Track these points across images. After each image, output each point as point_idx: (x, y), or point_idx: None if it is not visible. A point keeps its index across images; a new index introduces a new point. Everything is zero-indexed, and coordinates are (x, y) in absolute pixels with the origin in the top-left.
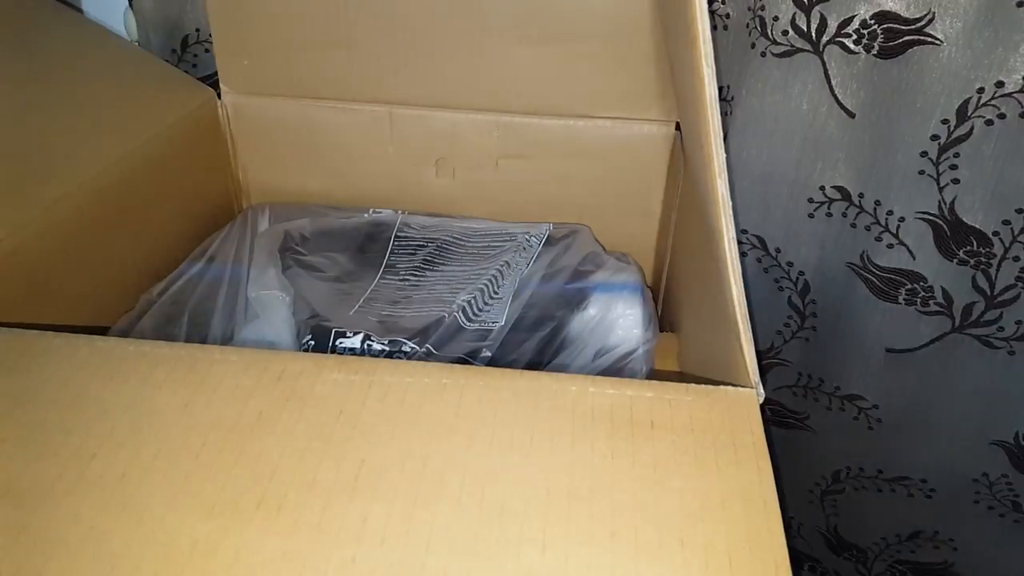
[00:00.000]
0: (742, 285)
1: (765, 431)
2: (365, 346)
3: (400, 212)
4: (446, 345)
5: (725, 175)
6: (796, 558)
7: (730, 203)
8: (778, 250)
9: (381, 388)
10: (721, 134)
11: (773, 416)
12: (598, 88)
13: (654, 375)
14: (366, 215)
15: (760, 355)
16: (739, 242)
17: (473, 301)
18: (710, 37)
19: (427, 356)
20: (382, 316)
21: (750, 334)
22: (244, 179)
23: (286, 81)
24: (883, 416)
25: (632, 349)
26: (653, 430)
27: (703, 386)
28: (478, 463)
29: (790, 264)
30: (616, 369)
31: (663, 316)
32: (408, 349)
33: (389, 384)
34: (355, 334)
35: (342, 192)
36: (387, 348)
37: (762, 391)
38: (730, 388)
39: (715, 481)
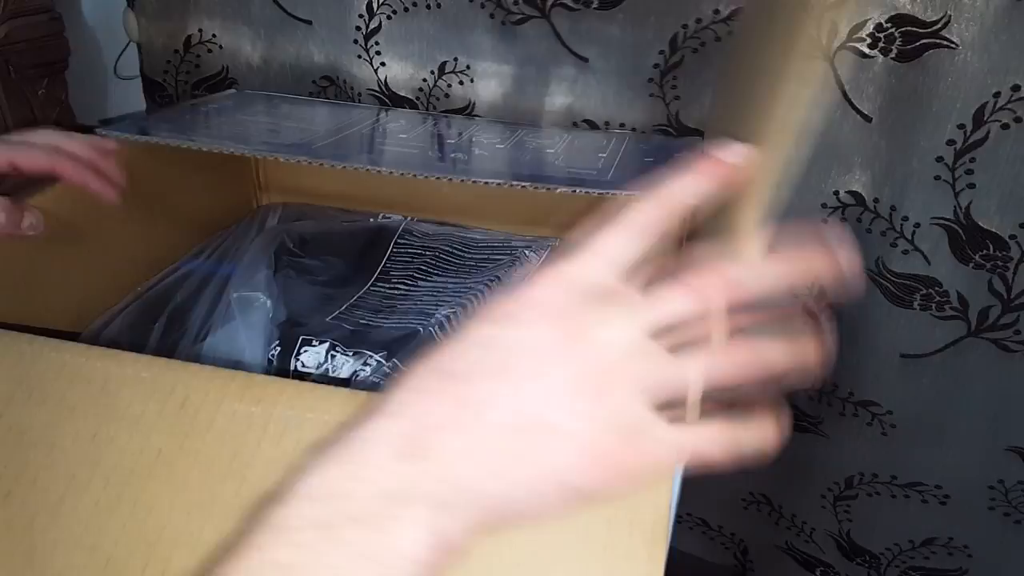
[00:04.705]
0: None
1: None
2: (328, 356)
3: (407, 218)
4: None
5: None
6: (808, 563)
7: None
8: None
9: (278, 425)
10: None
11: None
12: None
13: None
14: (372, 220)
15: None
16: None
17: (452, 316)
18: None
19: (392, 371)
20: (359, 325)
21: None
22: (264, 177)
23: None
24: (897, 422)
25: None
26: None
27: None
28: None
29: None
30: None
31: None
32: (373, 363)
33: (287, 420)
34: (321, 343)
35: (358, 193)
36: (351, 360)
37: None
38: None
39: None
